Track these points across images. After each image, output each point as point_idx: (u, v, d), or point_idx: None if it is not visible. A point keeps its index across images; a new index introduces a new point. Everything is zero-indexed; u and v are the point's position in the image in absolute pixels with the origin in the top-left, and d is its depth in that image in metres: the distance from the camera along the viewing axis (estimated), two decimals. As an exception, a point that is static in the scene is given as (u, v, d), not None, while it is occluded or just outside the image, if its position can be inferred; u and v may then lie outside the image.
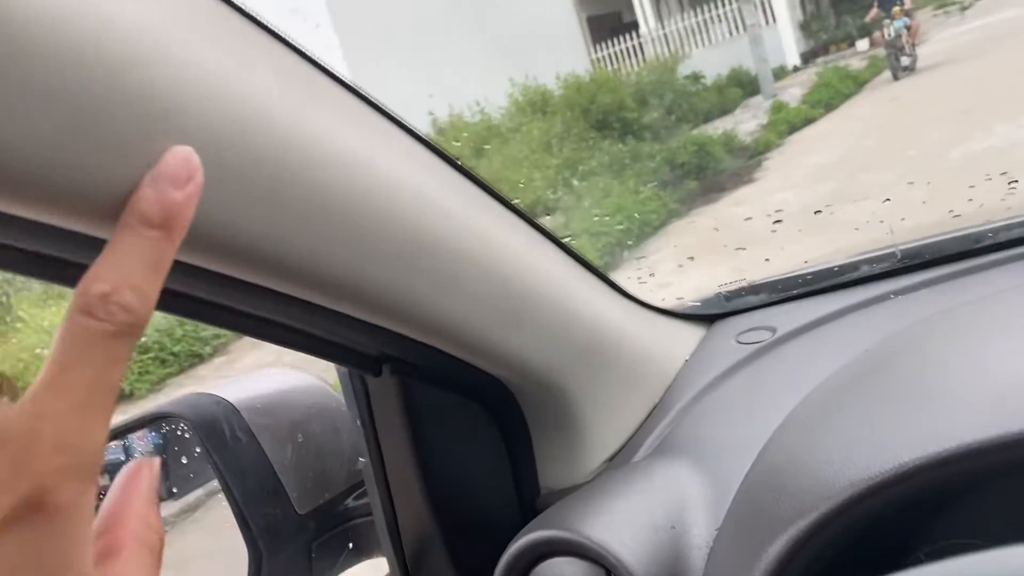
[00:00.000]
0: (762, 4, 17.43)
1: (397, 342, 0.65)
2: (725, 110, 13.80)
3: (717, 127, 10.21)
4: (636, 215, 6.61)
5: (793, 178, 7.56)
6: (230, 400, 0.85)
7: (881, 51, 13.34)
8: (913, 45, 12.61)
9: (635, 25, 19.63)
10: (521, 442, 0.80)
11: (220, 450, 0.81)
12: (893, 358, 0.67)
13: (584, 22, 20.26)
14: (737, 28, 18.01)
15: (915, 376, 0.60)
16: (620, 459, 0.81)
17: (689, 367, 0.89)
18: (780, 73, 16.47)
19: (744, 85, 15.30)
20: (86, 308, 0.32)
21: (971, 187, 1.10)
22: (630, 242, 6.25)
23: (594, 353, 0.77)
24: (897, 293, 0.87)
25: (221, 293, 0.54)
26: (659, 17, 20.19)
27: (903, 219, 1.09)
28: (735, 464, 0.69)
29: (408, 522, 0.76)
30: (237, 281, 0.51)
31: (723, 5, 18.64)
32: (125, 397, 6.87)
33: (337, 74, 0.54)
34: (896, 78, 12.11)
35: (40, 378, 0.32)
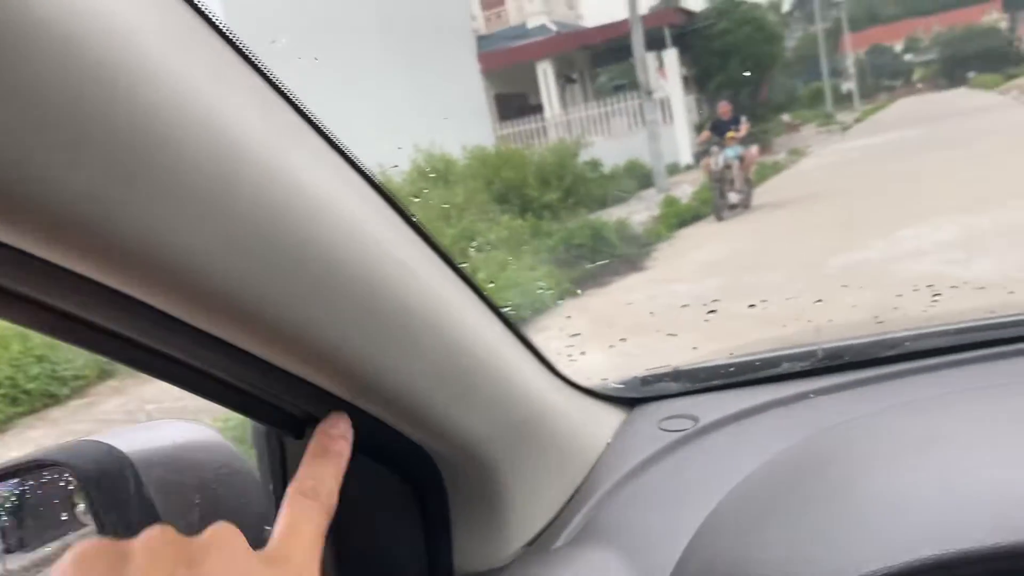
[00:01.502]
0: (662, 103, 18.28)
1: (327, 402, 0.59)
2: (620, 199, 14.27)
3: (612, 214, 10.52)
4: (530, 290, 6.68)
5: (681, 271, 7.82)
6: (124, 451, 0.76)
7: (770, 157, 13.98)
8: (747, 179, 11.11)
9: (540, 108, 20.22)
10: (439, 521, 0.74)
11: (109, 508, 0.71)
12: (820, 464, 0.68)
13: (492, 98, 20.73)
14: (637, 123, 18.80)
15: (843, 489, 0.61)
16: (539, 544, 0.76)
17: (611, 451, 0.86)
18: (673, 169, 17.23)
19: (639, 177, 15.92)
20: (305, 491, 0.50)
21: (898, 296, 1.13)
22: (524, 317, 6.28)
23: (529, 430, 0.73)
24: (817, 393, 0.88)
25: (136, 326, 0.47)
26: (564, 103, 20.89)
27: (830, 320, 1.11)
28: (663, 556, 0.67)
29: None
30: (157, 314, 0.45)
31: (625, 100, 19.47)
32: (-38, 433, 6.31)
33: (303, 108, 0.50)
34: (719, 218, 10.54)
35: (280, 531, 0.49)
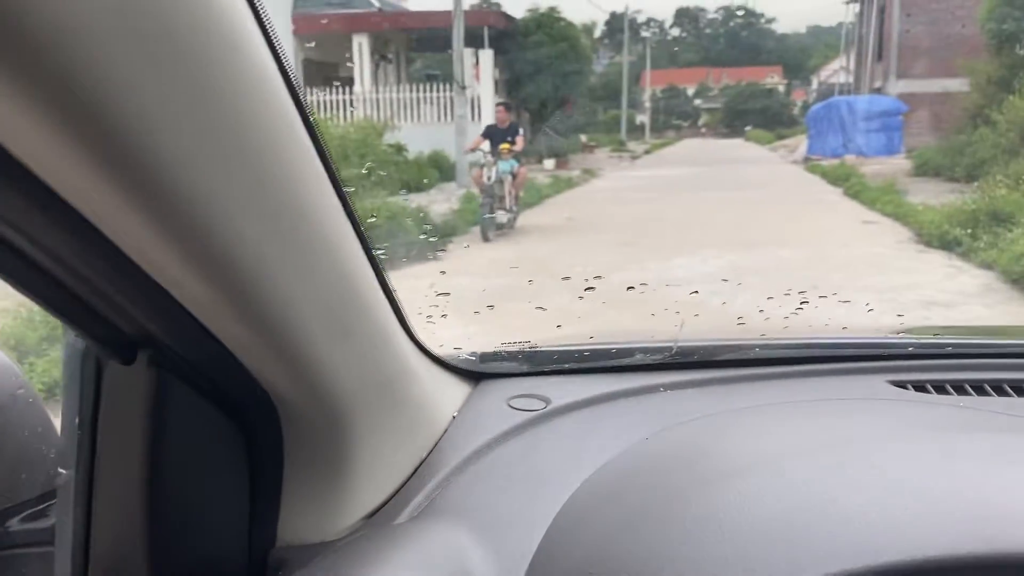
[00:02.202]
0: (472, 100, 18.45)
1: (174, 321, 0.51)
2: (420, 187, 14.23)
3: (411, 200, 10.45)
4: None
5: (473, 266, 7.91)
6: None
7: (566, 172, 14.22)
8: (516, 197, 10.15)
9: (351, 81, 19.75)
10: (269, 480, 0.66)
11: None
12: (683, 460, 0.67)
13: (300, 63, 19.96)
14: (446, 115, 18.85)
15: (706, 488, 0.60)
16: (380, 518, 0.70)
17: (457, 425, 0.82)
18: (477, 166, 17.45)
19: (442, 169, 15.97)
20: None
21: (769, 298, 1.18)
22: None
23: (389, 391, 0.67)
24: (667, 387, 0.89)
25: None
26: (375, 81, 20.53)
27: (696, 315, 1.14)
28: (521, 543, 0.63)
29: (105, 560, 0.59)
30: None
31: (437, 91, 19.46)
32: None
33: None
34: (486, 239, 9.11)
35: None
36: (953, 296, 5.95)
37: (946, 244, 7.82)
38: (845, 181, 14.72)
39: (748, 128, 56.52)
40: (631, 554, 0.54)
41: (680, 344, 0.97)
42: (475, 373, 0.93)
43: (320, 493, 0.66)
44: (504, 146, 10.24)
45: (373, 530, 0.67)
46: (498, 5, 25.07)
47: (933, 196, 11.39)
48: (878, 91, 24.77)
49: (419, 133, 17.14)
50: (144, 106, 0.36)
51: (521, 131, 10.64)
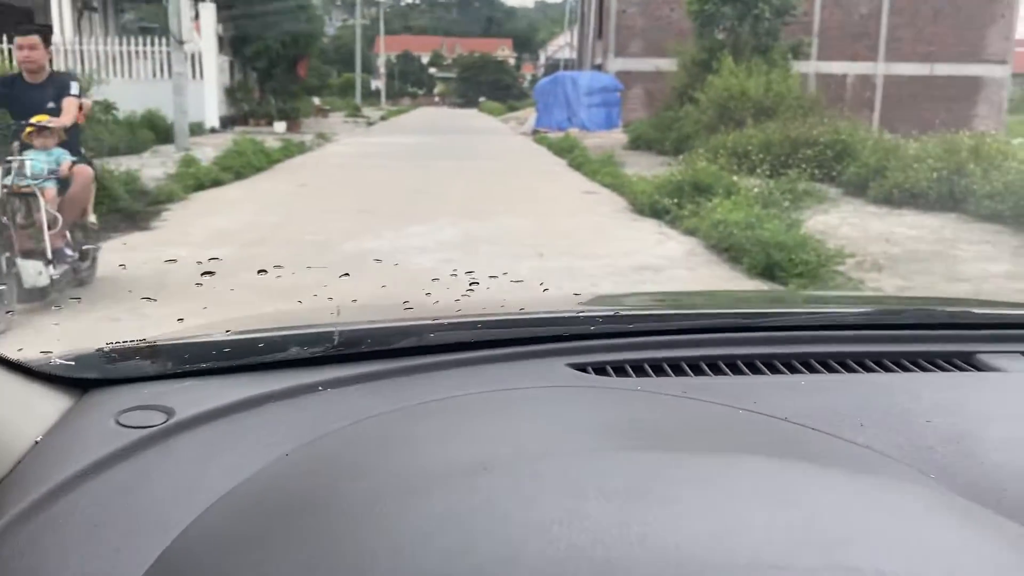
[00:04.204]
0: (193, 57, 17.14)
1: None
2: (133, 149, 13.00)
3: (121, 164, 9.48)
4: None
5: (191, 236, 7.34)
6: None
7: (298, 136, 12.86)
8: (72, 229, 5.05)
9: (48, 29, 17.58)
10: None
11: None
12: (323, 484, 0.56)
13: (-16, 4, 17.44)
14: (163, 72, 17.37)
15: (349, 518, 0.50)
16: None
17: (37, 455, 0.63)
18: (197, 129, 16.27)
19: (158, 131, 14.71)
20: None
21: (434, 280, 1.06)
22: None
23: None
24: (327, 385, 0.75)
25: None
26: (78, 31, 18.42)
27: (354, 300, 1.00)
28: None
29: None
30: None
31: (152, 45, 17.86)
32: None
33: None
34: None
35: None
36: (662, 260, 6.43)
37: (656, 213, 8.44)
38: (569, 153, 15.49)
39: (482, 99, 57.94)
40: None
41: (342, 329, 0.82)
42: (77, 380, 0.74)
43: None
44: (39, 119, 4.95)
45: None
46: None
47: (646, 168, 12.30)
48: (599, 68, 26.33)
49: (132, 91, 15.62)
50: None
51: (76, 88, 5.30)
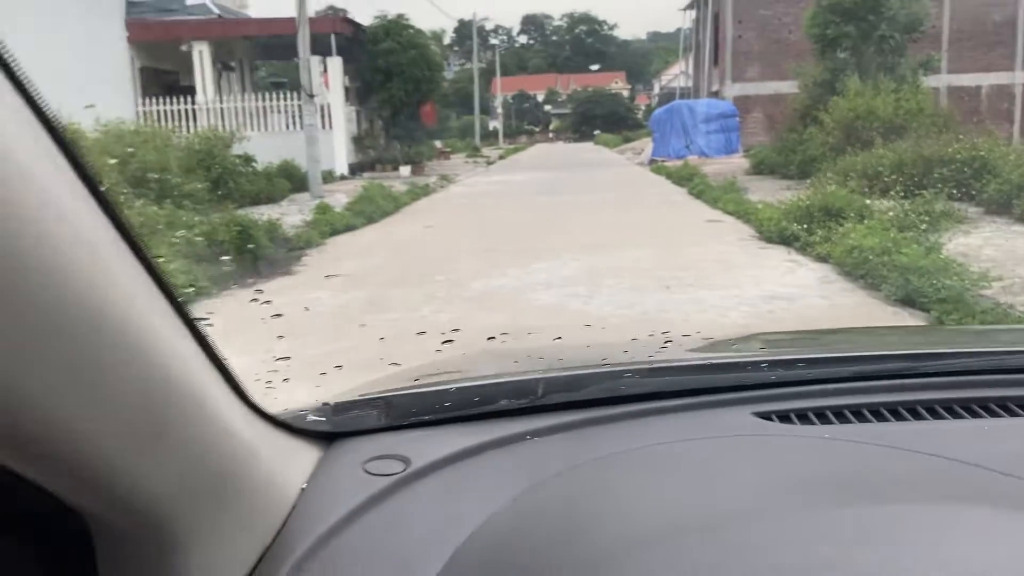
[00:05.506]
0: (322, 109, 18.06)
1: None
2: (272, 199, 13.78)
3: (263, 213, 10.08)
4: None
5: (330, 280, 7.70)
6: None
7: (422, 178, 13.42)
8: None
9: (192, 90, 18.91)
10: None
11: None
12: (549, 529, 0.62)
13: (137, 71, 18.95)
14: (295, 124, 18.37)
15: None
16: None
17: (307, 499, 0.72)
18: (328, 177, 17.08)
19: (293, 179, 15.53)
20: None
21: (633, 339, 1.13)
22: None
23: (221, 481, 0.58)
24: (533, 435, 0.83)
25: None
26: (219, 90, 19.75)
27: (559, 338, 1.09)
28: None
29: None
30: None
31: (285, 99, 18.94)
32: None
33: None
34: None
35: None
36: (793, 289, 6.29)
37: (785, 240, 8.26)
38: (689, 181, 15.36)
39: (597, 132, 58.13)
40: None
41: (547, 378, 0.90)
42: (326, 434, 0.83)
43: None
44: None
45: None
46: (344, 12, 24.66)
47: (770, 194, 12.05)
48: (716, 94, 26.05)
49: (268, 143, 16.61)
50: None
51: None
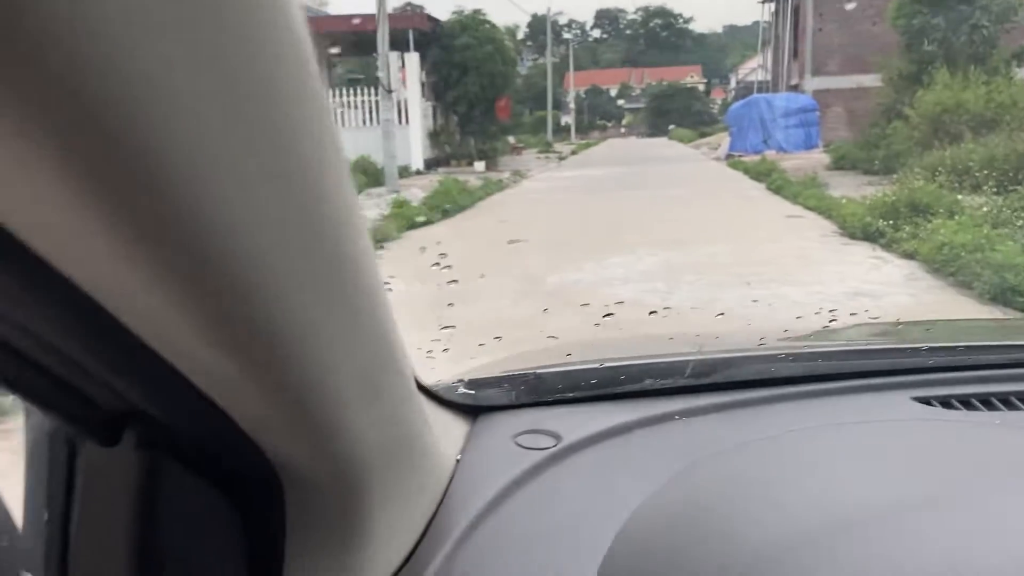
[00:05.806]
0: (399, 105, 18.28)
1: (167, 396, 0.41)
2: (349, 193, 14.00)
3: (342, 207, 10.25)
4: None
5: (407, 272, 7.82)
6: None
7: (496, 174, 13.78)
8: None
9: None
10: (268, 560, 0.55)
11: None
12: (710, 506, 0.62)
13: (221, 69, 19.49)
14: (371, 120, 18.65)
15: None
16: None
17: (463, 471, 0.73)
18: (404, 172, 17.29)
19: (369, 174, 15.77)
20: None
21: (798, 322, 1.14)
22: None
23: (404, 445, 0.60)
24: (682, 415, 0.83)
25: None
26: (299, 87, 20.17)
27: (697, 335, 1.09)
28: None
29: None
30: None
31: (362, 95, 19.25)
32: None
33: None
34: None
35: None
36: (878, 287, 6.13)
37: (869, 236, 8.05)
38: (767, 176, 15.06)
39: (671, 127, 57.39)
40: None
41: (696, 359, 0.90)
42: (473, 407, 0.85)
43: (329, 570, 0.57)
44: None
45: None
46: (421, 8, 24.95)
47: (852, 189, 11.74)
48: (795, 88, 25.47)
49: (345, 138, 16.69)
50: (197, 138, 0.28)
51: None
